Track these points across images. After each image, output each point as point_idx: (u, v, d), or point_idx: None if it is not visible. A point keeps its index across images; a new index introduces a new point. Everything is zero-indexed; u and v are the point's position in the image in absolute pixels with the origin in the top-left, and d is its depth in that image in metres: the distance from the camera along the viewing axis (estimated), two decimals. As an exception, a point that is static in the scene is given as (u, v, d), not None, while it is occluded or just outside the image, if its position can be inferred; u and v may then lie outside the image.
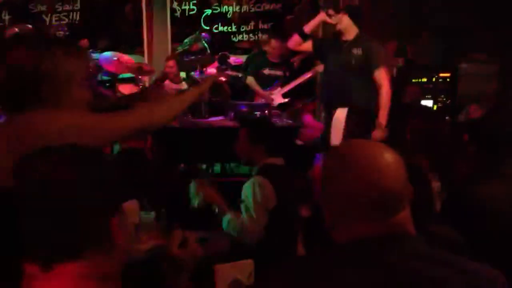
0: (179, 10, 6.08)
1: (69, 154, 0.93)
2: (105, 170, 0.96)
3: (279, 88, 5.09)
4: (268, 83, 5.11)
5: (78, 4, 5.92)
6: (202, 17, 6.17)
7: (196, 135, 4.41)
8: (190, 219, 2.89)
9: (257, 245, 2.27)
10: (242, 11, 6.21)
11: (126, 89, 5.15)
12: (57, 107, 1.32)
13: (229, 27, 6.23)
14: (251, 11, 6.23)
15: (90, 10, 5.99)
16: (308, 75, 5.08)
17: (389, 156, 1.04)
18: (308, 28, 4.06)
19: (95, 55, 5.16)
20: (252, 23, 6.25)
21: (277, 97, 5.05)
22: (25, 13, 5.84)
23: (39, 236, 0.89)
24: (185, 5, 6.09)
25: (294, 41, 4.13)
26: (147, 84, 5.29)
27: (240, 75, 5.34)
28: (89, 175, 0.91)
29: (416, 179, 1.23)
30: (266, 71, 5.15)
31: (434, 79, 5.26)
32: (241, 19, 6.22)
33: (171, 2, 6.05)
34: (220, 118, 4.66)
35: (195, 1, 6.11)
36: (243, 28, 6.20)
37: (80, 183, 0.89)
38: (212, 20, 6.20)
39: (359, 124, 3.49)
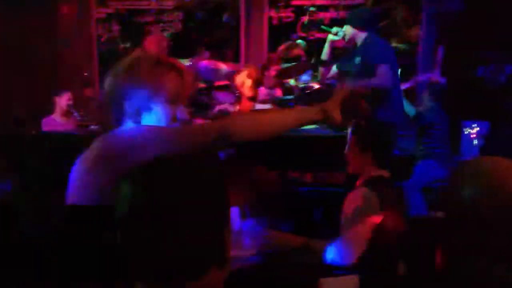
0: (277, 18, 6.15)
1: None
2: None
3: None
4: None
5: (181, 15, 6.20)
6: (299, 24, 6.19)
7: (290, 143, 4.42)
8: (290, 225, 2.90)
9: (359, 261, 2.17)
10: (339, 17, 6.14)
11: (222, 96, 5.29)
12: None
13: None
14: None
15: (191, 20, 6.24)
16: (408, 84, 4.91)
17: None
18: (324, 56, 3.99)
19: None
20: (350, 30, 6.15)
21: (373, 106, 4.93)
22: (132, 23, 6.21)
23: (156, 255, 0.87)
24: (282, 12, 6.14)
25: (323, 75, 4.06)
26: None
27: (334, 82, 5.29)
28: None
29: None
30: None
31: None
32: (339, 25, 6.15)
33: (269, 11, 6.12)
34: (316, 126, 4.64)
35: (292, 9, 6.14)
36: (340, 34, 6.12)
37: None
38: (308, 27, 6.19)
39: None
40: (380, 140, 2.42)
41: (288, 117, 1.44)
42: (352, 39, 3.86)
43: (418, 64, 5.96)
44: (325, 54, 4.06)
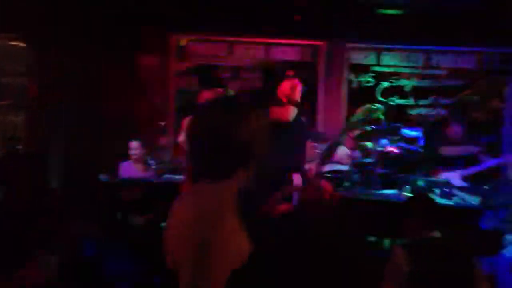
0: (356, 81, 6.39)
1: None
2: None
3: (460, 170, 4.99)
4: (449, 162, 5.04)
5: (259, 73, 6.54)
6: (379, 89, 6.40)
7: (367, 207, 4.47)
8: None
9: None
10: (422, 85, 6.31)
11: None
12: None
13: (407, 100, 6.37)
14: (431, 85, 6.31)
15: (268, 78, 6.55)
16: (495, 162, 4.93)
17: None
18: None
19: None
20: (431, 98, 6.32)
21: (456, 179, 4.95)
22: (211, 77, 6.58)
23: None
24: (362, 77, 6.37)
25: None
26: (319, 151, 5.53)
27: (413, 148, 5.37)
28: None
29: None
30: (447, 151, 5.10)
31: None
32: (420, 93, 6.30)
33: (349, 73, 6.36)
34: (393, 191, 4.69)
35: (373, 74, 6.37)
36: (421, 102, 6.29)
37: None
38: (388, 92, 6.39)
39: None
40: (425, 208, 2.75)
41: None
42: None
43: (503, 139, 5.97)
44: None
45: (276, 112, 3.99)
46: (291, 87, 4.15)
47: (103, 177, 5.17)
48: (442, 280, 2.49)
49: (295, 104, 4.09)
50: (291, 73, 4.30)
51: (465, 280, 2.52)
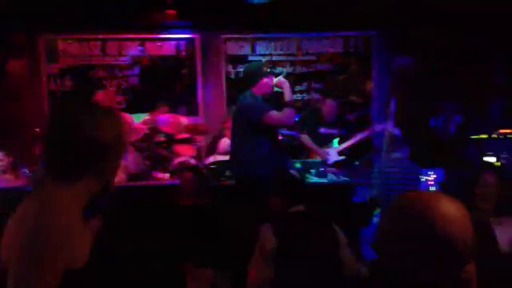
0: (233, 72, 6.48)
1: None
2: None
3: (335, 146, 5.27)
4: (324, 141, 5.31)
5: (137, 70, 6.42)
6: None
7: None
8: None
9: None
10: (296, 71, 6.55)
11: (182, 149, 5.46)
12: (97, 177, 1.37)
13: (283, 87, 6.52)
14: (303, 71, 6.57)
15: (148, 75, 6.45)
16: (365, 134, 5.28)
17: (452, 207, 1.15)
18: None
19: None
20: (305, 83, 6.57)
21: (333, 155, 5.23)
22: (86, 78, 6.35)
23: None
24: (239, 67, 6.46)
25: None
26: (203, 144, 5.56)
27: (295, 133, 5.59)
28: None
29: (482, 234, 1.33)
30: (322, 130, 5.37)
31: (495, 136, 5.32)
32: (295, 79, 6.53)
33: (226, 65, 6.44)
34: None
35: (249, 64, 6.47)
36: (297, 88, 6.51)
37: None
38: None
39: None
40: (288, 186, 2.89)
41: None
42: None
43: (373, 116, 6.42)
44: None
45: (277, 118, 3.86)
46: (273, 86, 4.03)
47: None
48: (306, 249, 2.59)
49: (293, 104, 3.97)
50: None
51: (328, 247, 2.63)
